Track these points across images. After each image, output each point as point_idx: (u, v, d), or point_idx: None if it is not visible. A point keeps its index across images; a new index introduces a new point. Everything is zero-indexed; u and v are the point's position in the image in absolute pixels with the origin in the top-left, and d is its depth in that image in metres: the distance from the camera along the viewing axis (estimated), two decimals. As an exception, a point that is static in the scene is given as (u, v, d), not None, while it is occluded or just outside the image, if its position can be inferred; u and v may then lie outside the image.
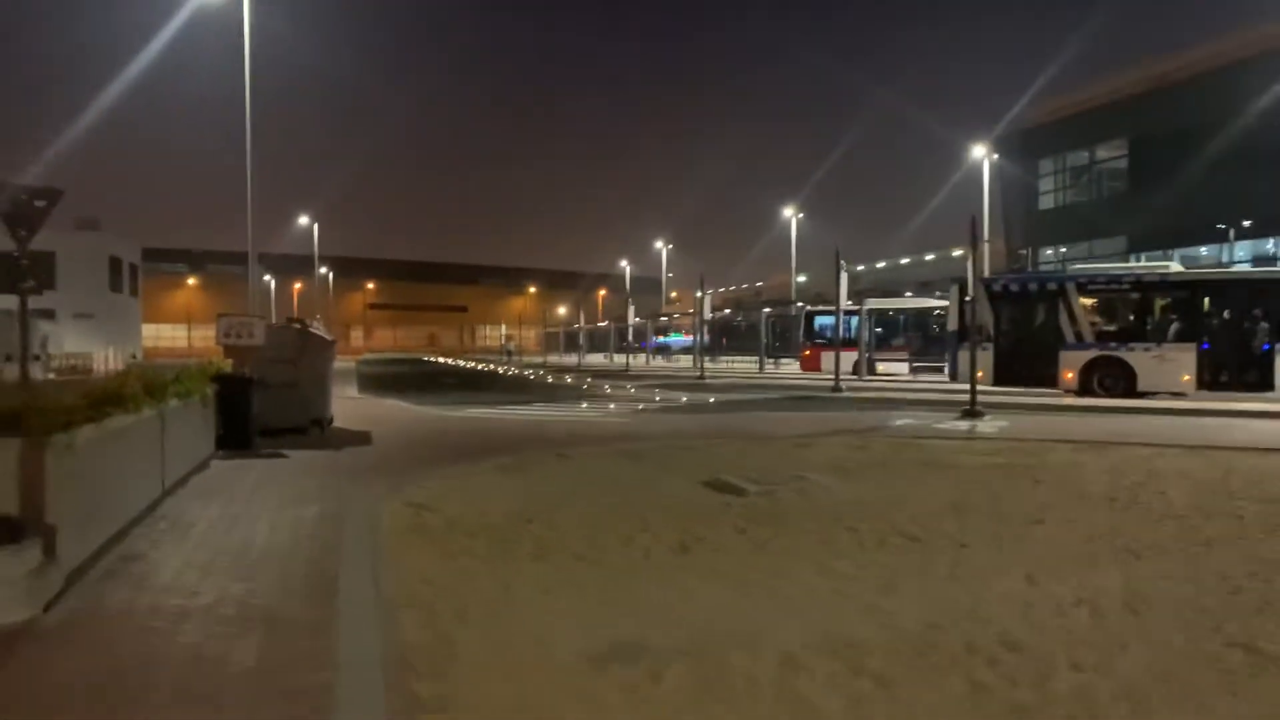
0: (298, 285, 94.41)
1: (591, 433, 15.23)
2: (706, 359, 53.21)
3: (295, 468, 11.04)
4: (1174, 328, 21.74)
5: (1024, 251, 45.10)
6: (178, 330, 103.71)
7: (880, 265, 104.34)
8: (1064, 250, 58.82)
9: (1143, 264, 26.32)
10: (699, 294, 37.33)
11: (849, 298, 45.52)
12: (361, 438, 14.21)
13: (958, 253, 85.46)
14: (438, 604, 5.36)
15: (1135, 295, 22.32)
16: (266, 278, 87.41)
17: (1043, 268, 58.06)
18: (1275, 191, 43.30)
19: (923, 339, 37.27)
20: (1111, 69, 54.61)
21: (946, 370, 25.34)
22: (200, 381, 11.71)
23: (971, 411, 16.33)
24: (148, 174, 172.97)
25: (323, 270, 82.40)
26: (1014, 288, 23.93)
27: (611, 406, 21.36)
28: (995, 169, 55.27)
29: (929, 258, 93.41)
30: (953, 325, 24.34)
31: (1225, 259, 46.73)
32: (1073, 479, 9.99)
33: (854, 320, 39.02)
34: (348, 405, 19.42)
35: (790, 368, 45.13)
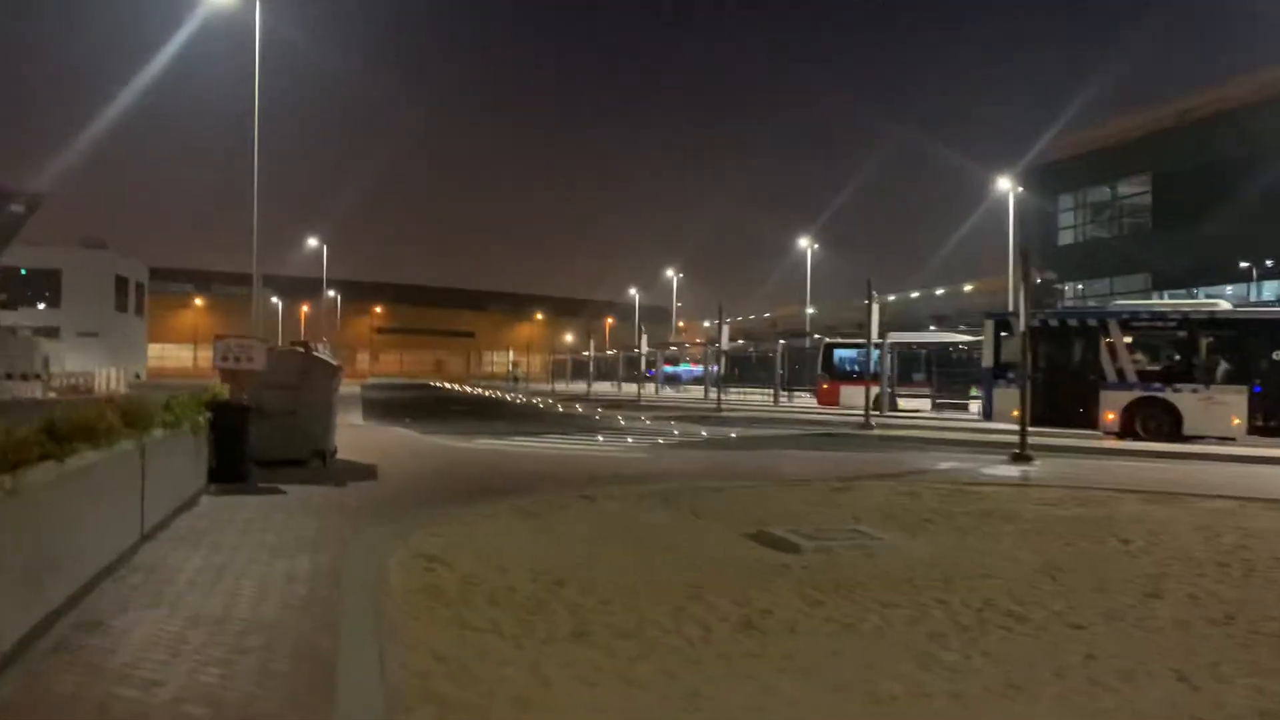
0: (305, 308, 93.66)
1: (611, 469, 14.16)
2: (717, 391, 52.29)
3: (293, 506, 9.98)
4: (1223, 368, 20.65)
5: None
6: (183, 350, 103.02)
7: (891, 298, 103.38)
8: (1079, 287, 57.90)
9: (1189, 301, 25.15)
10: (716, 322, 36.26)
11: (847, 331, 44.62)
12: (366, 471, 13.16)
13: (969, 288, 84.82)
14: (458, 701, 4.29)
15: (1182, 333, 21.24)
16: (274, 300, 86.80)
17: (1064, 304, 57.06)
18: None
19: (946, 375, 36.20)
20: (1136, 105, 53.76)
21: (980, 409, 24.21)
22: (192, 409, 10.68)
23: (1021, 455, 15.25)
24: (156, 195, 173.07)
25: (330, 293, 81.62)
26: (1052, 323, 22.86)
27: (629, 440, 20.28)
28: (1018, 206, 54.49)
29: (940, 292, 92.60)
30: (988, 362, 23.27)
31: (1252, 298, 45.67)
32: (1164, 539, 8.89)
33: (873, 354, 38.03)
34: (352, 433, 18.39)
35: (804, 401, 44.02)
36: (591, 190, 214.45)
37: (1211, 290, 48.31)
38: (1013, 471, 14.34)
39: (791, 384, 47.25)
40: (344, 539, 8.12)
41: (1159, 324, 21.56)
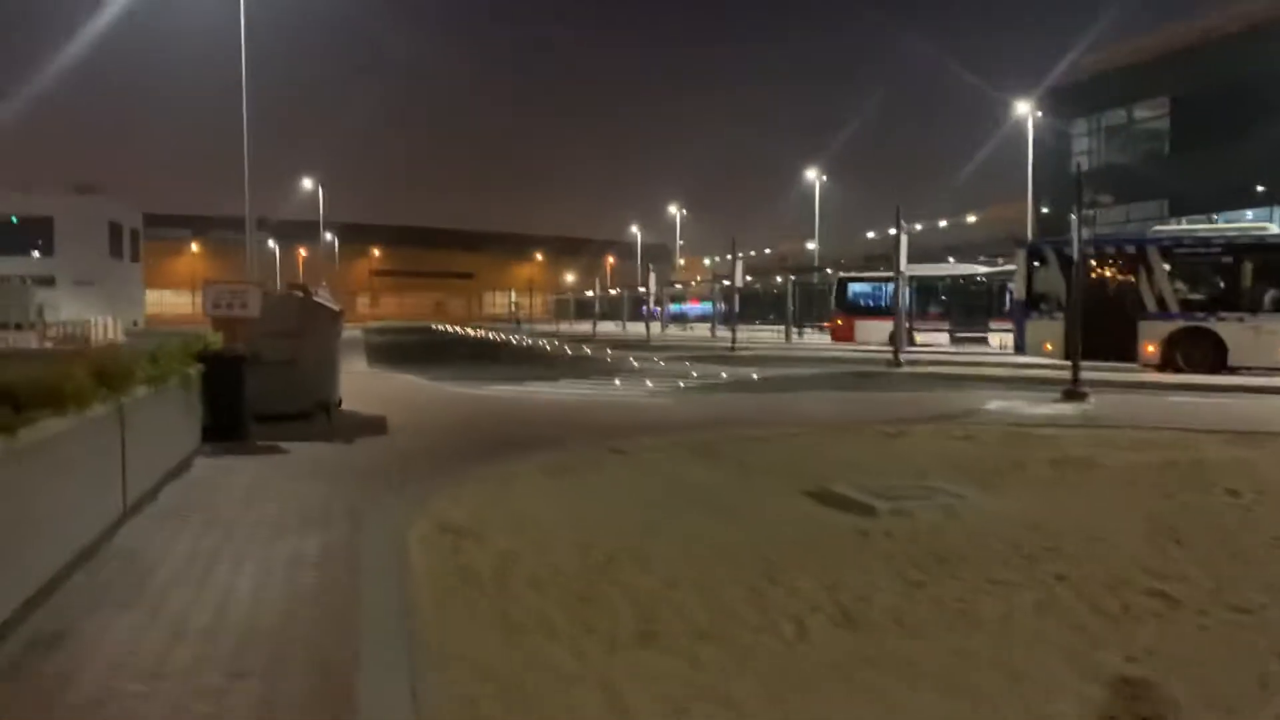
0: (303, 251, 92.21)
1: (638, 418, 13.19)
2: (724, 328, 51.21)
3: (296, 468, 9.01)
4: (1271, 296, 19.58)
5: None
6: (181, 297, 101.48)
7: (892, 231, 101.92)
8: (1094, 214, 56.55)
9: (1233, 225, 23.97)
10: (718, 259, 35.09)
11: (852, 264, 43.23)
12: (375, 424, 12.17)
13: (972, 219, 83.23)
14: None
15: (1227, 260, 20.13)
16: (270, 243, 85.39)
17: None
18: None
19: (964, 308, 35.16)
20: (1156, 25, 51.80)
21: (1014, 342, 23.21)
22: (181, 361, 9.66)
23: (1074, 393, 14.26)
24: (151, 139, 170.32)
25: (328, 236, 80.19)
26: (1090, 252, 21.71)
27: (649, 384, 19.27)
28: (1028, 128, 52.84)
29: (943, 224, 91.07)
30: (1020, 294, 22.23)
31: (1276, 222, 44.38)
32: (1274, 487, 7.93)
33: (887, 288, 36.92)
34: (357, 382, 17.40)
35: (815, 338, 43.05)
36: (592, 124, 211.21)
37: (1232, 215, 46.99)
38: (1068, 410, 13.37)
39: (801, 320, 46.23)
40: (356, 509, 7.14)
41: (1201, 250, 20.45)
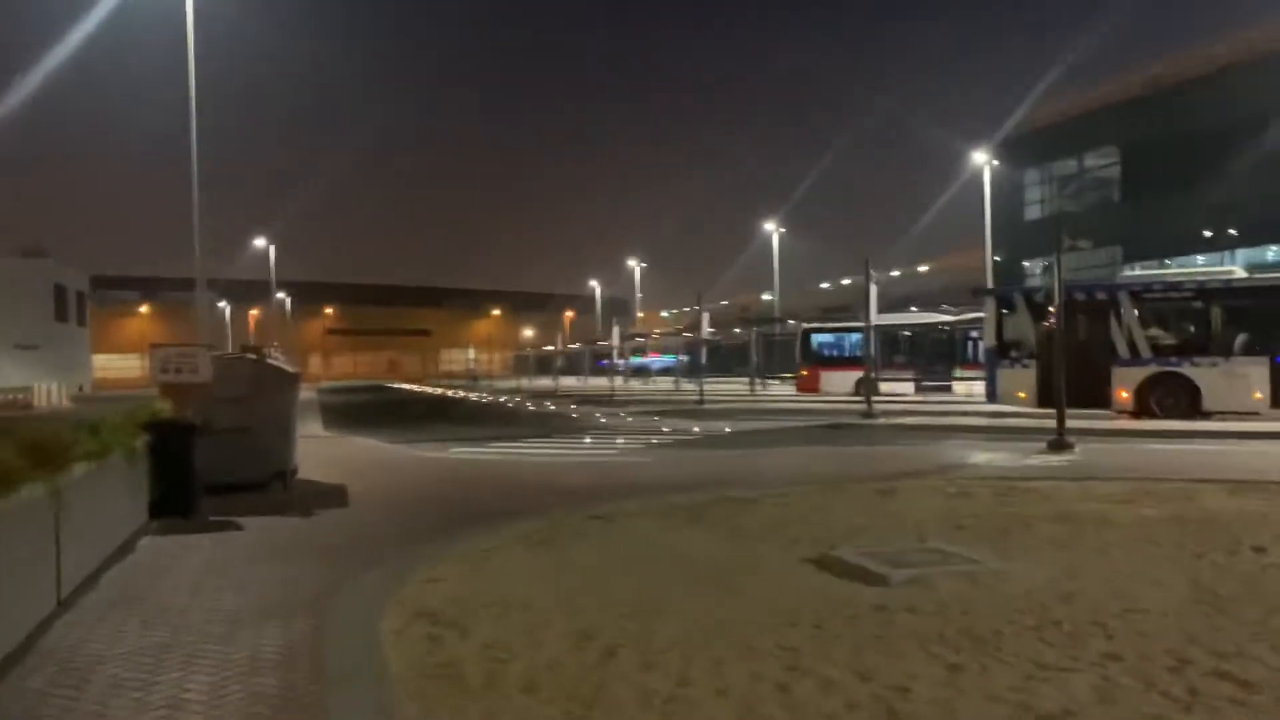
0: (254, 312, 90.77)
1: (614, 479, 12.58)
2: (688, 382, 50.77)
3: (252, 547, 8.29)
4: (1243, 339, 19.50)
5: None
6: (130, 360, 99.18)
7: (846, 282, 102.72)
8: (1042, 264, 57.08)
9: (1204, 269, 24.00)
10: (692, 309, 34.76)
11: (808, 315, 43.12)
12: (335, 494, 11.45)
13: (924, 268, 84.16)
14: None
15: (1198, 303, 20.06)
16: (222, 304, 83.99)
17: (1029, 281, 56.29)
18: (1268, 198, 41.57)
19: (928, 357, 35.05)
20: (1104, 76, 52.90)
21: (985, 390, 22.93)
22: (125, 433, 8.96)
23: (1060, 443, 13.89)
24: (99, 201, 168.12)
25: (280, 295, 79.03)
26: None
27: (620, 441, 18.68)
28: (980, 180, 53.47)
29: (895, 274, 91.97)
30: (989, 341, 21.99)
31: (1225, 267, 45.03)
32: (1301, 544, 7.50)
33: (851, 338, 36.79)
34: (313, 447, 16.63)
35: (779, 389, 42.76)
36: (547, 180, 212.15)
37: (1183, 261, 47.64)
38: (1056, 461, 12.99)
39: (764, 372, 45.95)
40: (320, 595, 6.47)
41: (1173, 294, 20.37)
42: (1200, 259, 47.78)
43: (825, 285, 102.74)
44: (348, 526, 9.31)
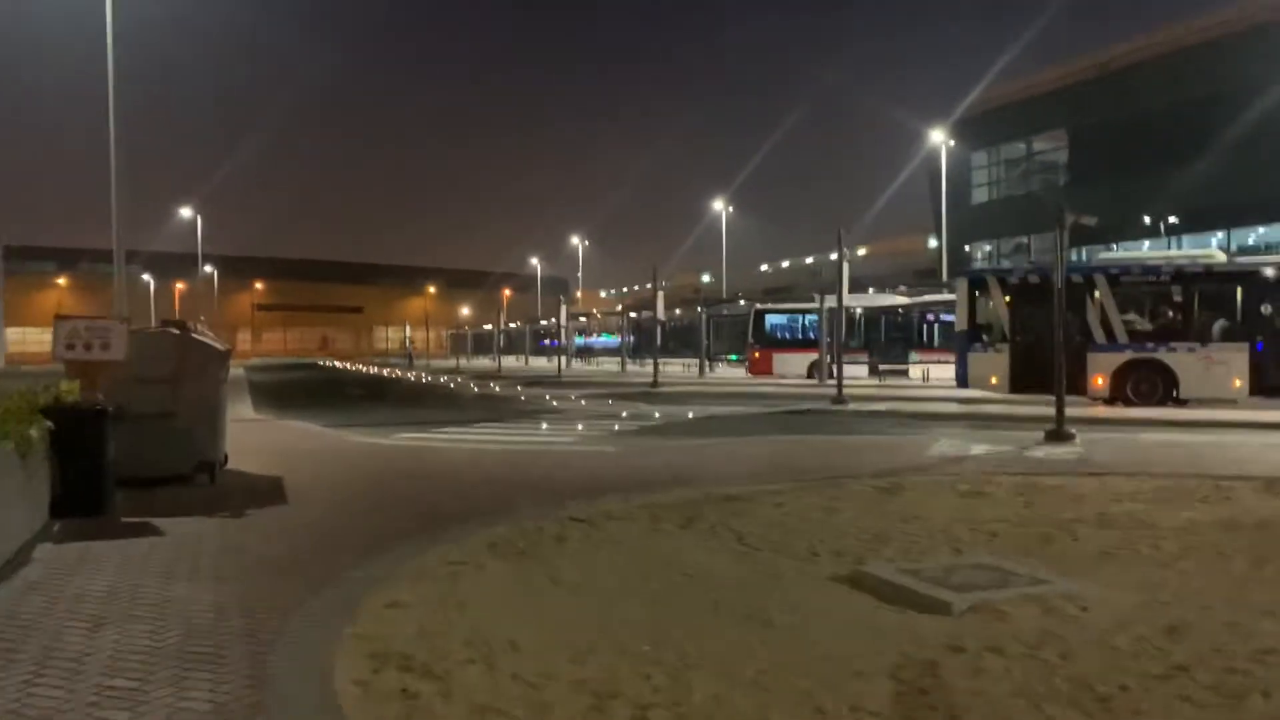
0: (180, 286, 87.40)
1: (582, 471, 11.39)
2: (634, 363, 49.67)
3: (173, 559, 6.95)
4: (1222, 325, 18.93)
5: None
6: (47, 334, 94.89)
7: (785, 265, 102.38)
8: (987, 248, 56.90)
9: (1184, 253, 23.43)
10: (643, 287, 33.60)
11: (749, 297, 42.12)
12: (271, 489, 10.09)
13: (863, 251, 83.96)
14: None
15: (1176, 288, 19.44)
16: (145, 277, 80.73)
17: (975, 264, 56.08)
18: (1212, 183, 41.60)
19: (884, 340, 34.37)
20: (1054, 59, 52.62)
21: (955, 375, 22.15)
22: (19, 419, 7.55)
23: (1061, 433, 13.01)
24: (13, 169, 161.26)
25: (207, 268, 76.07)
26: (1032, 279, 20.81)
27: (579, 427, 17.45)
28: (926, 163, 53.08)
29: (833, 256, 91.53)
30: (961, 324, 21.19)
31: (1171, 251, 45.09)
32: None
33: (802, 320, 36.01)
34: (244, 432, 15.17)
35: (728, 372, 41.86)
36: (485, 159, 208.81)
37: (1129, 245, 47.63)
38: (1061, 454, 12.08)
39: (714, 353, 44.95)
40: (258, 629, 5.21)
41: (1151, 278, 19.72)
42: (1146, 244, 47.94)
43: (765, 268, 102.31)
44: (287, 531, 7.99)
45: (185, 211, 61.40)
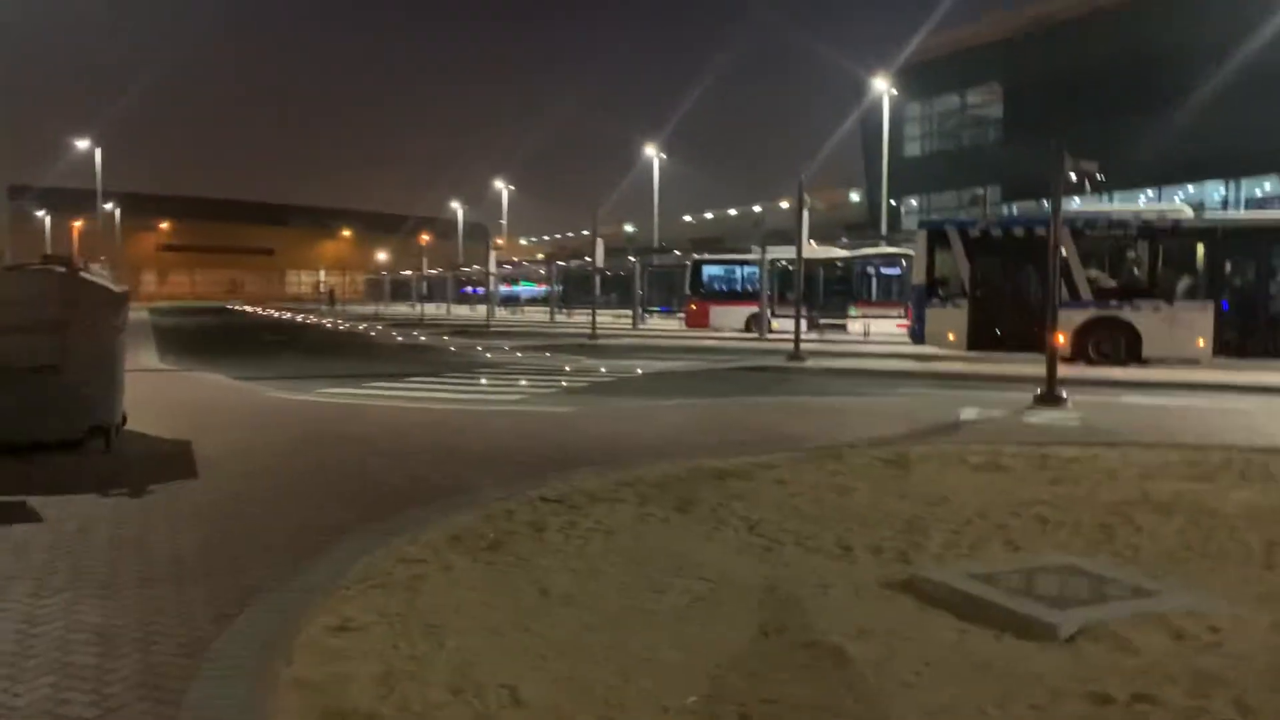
0: (78, 224, 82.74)
1: (540, 437, 10.07)
2: (561, 312, 48.26)
3: (47, 558, 5.49)
4: (1186, 283, 18.32)
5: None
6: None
7: (709, 216, 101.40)
8: (913, 202, 56.42)
9: (1154, 207, 22.76)
10: (587, 233, 32.14)
11: (677, 248, 40.88)
12: (178, 459, 8.58)
13: (785, 204, 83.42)
14: None
15: (1143, 243, 18.75)
16: (40, 213, 76.18)
17: (908, 218, 55.70)
18: (1146, 141, 41.51)
19: (823, 294, 33.46)
20: (990, 10, 51.97)
21: (911, 331, 21.30)
22: None
23: (1053, 397, 12.10)
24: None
25: (108, 206, 71.91)
26: (994, 233, 19.97)
27: (523, 383, 16.08)
28: (860, 114, 52.25)
29: (757, 208, 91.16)
30: (919, 278, 20.28)
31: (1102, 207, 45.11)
32: None
33: (742, 271, 34.99)
34: (147, 385, 13.49)
35: (661, 323, 40.74)
36: (404, 97, 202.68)
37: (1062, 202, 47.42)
38: (1061, 418, 11.15)
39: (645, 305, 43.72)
40: (160, 670, 3.84)
41: (1117, 233, 18.98)
42: (1076, 200, 47.89)
43: (688, 219, 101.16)
44: (198, 515, 6.55)
45: (83, 144, 57.57)
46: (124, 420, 9.59)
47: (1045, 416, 11.34)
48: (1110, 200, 44.75)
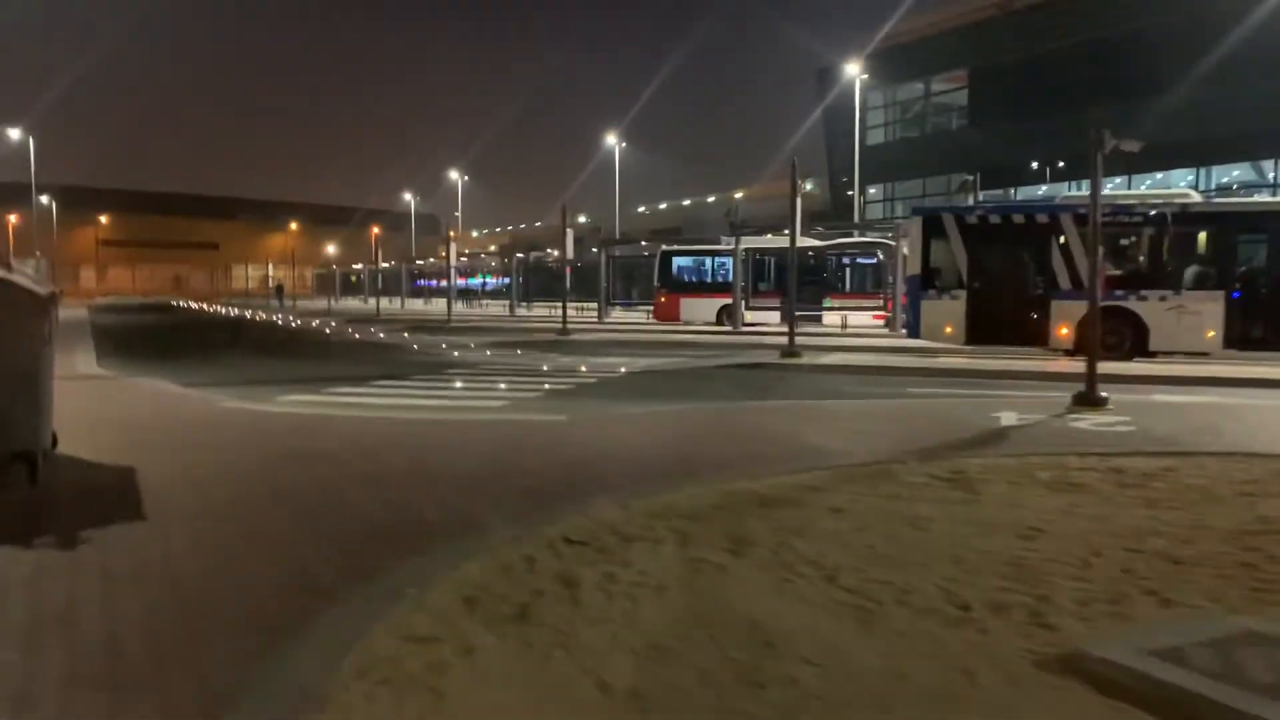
0: (12, 218, 79.54)
1: (538, 456, 8.82)
2: (522, 306, 46.89)
3: (-54, 646, 4.19)
4: (1194, 272, 17.52)
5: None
6: None
7: (662, 207, 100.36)
8: (872, 191, 55.66)
9: (1160, 192, 21.97)
10: (540, 224, 30.83)
11: (636, 239, 39.85)
12: (119, 492, 7.24)
13: (740, 195, 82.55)
14: None
15: (1149, 231, 17.90)
16: (-31, 208, 73.07)
17: (871, 207, 55.05)
18: (1113, 128, 40.92)
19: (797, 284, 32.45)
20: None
21: (906, 324, 20.35)
22: None
23: (1094, 399, 11.09)
24: None
25: (44, 199, 69.03)
26: (992, 219, 19.03)
27: (502, 386, 14.81)
28: (822, 102, 51.36)
29: (711, 199, 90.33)
30: (914, 268, 19.31)
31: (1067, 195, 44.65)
32: None
33: (713, 262, 33.95)
34: (83, 394, 12.05)
35: (626, 316, 39.62)
36: (350, 91, 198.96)
37: (1027, 191, 46.94)
38: (1112, 424, 10.13)
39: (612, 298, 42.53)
40: None
41: (1122, 219, 18.11)
42: (1042, 189, 47.41)
43: (642, 209, 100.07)
44: (146, 577, 5.26)
45: (14, 133, 54.98)
46: (54, 442, 8.21)
47: (1091, 420, 10.33)
48: (1081, 187, 44.39)
